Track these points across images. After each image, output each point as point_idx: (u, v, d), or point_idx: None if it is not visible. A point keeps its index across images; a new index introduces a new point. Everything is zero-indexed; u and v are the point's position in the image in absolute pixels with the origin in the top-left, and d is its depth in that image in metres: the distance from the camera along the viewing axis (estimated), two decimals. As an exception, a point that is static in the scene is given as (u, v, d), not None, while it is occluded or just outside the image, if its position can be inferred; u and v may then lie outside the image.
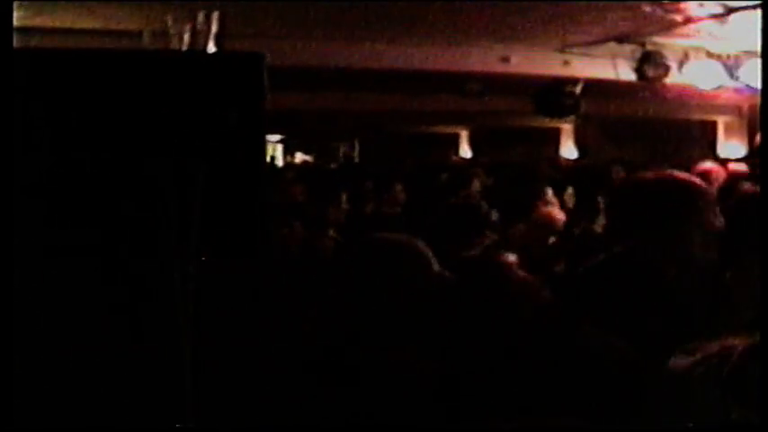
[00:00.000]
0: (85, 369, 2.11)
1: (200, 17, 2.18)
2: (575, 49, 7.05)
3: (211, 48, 2.18)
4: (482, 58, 7.32)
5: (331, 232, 4.68)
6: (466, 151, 15.80)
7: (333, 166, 14.20)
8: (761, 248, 2.11)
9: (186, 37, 2.17)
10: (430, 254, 2.27)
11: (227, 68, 2.16)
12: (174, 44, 2.16)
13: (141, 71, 2.09)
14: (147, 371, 2.11)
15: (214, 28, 2.21)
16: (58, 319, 2.06)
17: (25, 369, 1.90)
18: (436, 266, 2.25)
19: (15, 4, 2.01)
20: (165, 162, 2.04)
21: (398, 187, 6.33)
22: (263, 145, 2.28)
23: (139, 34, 2.22)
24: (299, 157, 17.93)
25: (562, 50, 7.11)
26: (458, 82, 8.51)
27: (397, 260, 2.25)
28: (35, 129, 1.98)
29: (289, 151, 18.01)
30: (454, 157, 13.95)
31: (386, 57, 7.00)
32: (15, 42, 1.95)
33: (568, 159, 12.03)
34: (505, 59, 7.26)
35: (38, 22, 4.87)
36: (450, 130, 16.02)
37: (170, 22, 2.19)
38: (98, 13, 5.25)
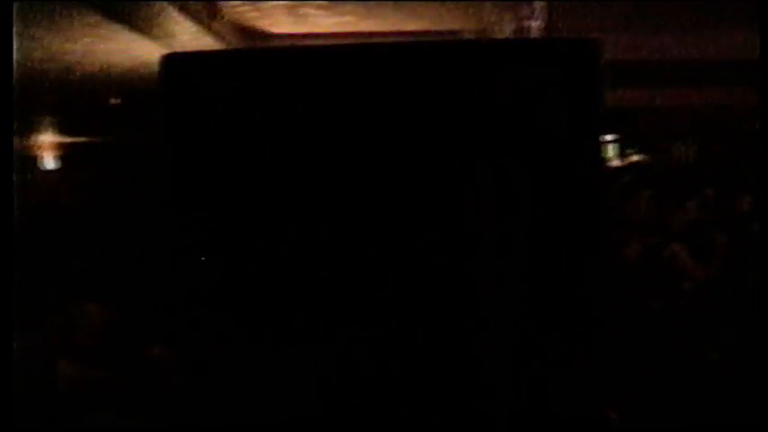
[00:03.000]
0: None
1: (525, 11, 1.94)
2: None
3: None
4: None
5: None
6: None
7: (672, 168, 13.42)
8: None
9: (509, 33, 1.95)
10: None
11: (555, 57, 1.87)
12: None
13: (455, 62, 1.86)
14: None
15: (539, 22, 1.96)
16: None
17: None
18: None
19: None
20: (481, 164, 1.83)
21: (746, 199, 5.55)
22: (598, 146, 1.97)
23: (459, 33, 2.02)
24: (634, 158, 17.28)
25: None
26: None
27: None
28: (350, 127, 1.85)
29: (622, 152, 17.42)
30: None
31: (731, 47, 6.40)
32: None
33: None
34: None
35: (362, 27, 4.89)
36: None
37: (491, 19, 1.98)
38: (422, 14, 5.24)
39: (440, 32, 4.76)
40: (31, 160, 9.43)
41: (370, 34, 5.24)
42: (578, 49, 1.89)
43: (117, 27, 4.57)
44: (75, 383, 4.55)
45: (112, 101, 6.68)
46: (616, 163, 16.84)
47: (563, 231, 1.89)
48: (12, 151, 1.87)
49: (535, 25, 1.89)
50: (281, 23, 4.99)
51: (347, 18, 4.78)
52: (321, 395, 1.92)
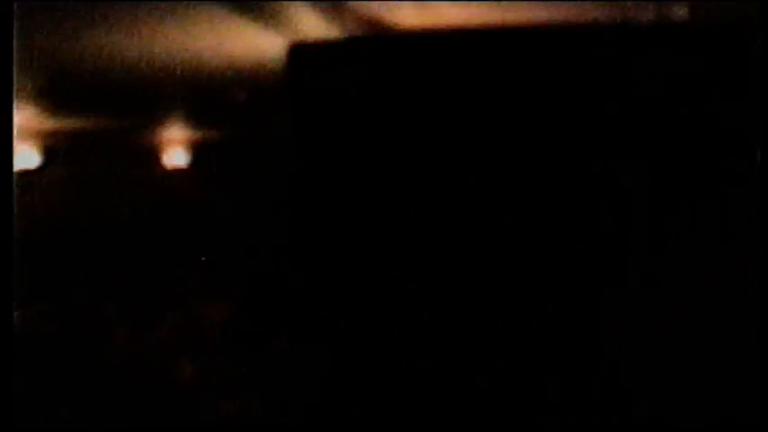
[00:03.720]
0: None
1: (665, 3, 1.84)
2: None
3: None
4: None
5: None
6: None
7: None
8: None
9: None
10: None
11: (703, 45, 1.75)
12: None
13: (596, 49, 1.76)
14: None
15: (682, 11, 1.86)
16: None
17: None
18: None
19: None
20: (622, 158, 1.75)
21: None
22: (752, 141, 1.83)
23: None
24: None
25: None
26: None
27: None
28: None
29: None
30: None
31: None
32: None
33: None
34: None
35: (491, 18, 4.78)
36: None
37: (627, 11, 1.90)
38: (556, 3, 5.09)
39: (575, 23, 4.59)
40: (157, 156, 9.64)
41: (500, 26, 5.10)
42: (729, 36, 1.77)
43: (243, 21, 4.59)
44: (196, 378, 4.62)
45: (238, 96, 6.74)
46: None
47: (712, 232, 1.78)
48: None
49: (680, 13, 1.77)
50: (407, 16, 4.91)
51: (475, 9, 4.67)
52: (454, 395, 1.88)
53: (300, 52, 1.79)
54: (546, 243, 1.80)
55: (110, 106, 7.15)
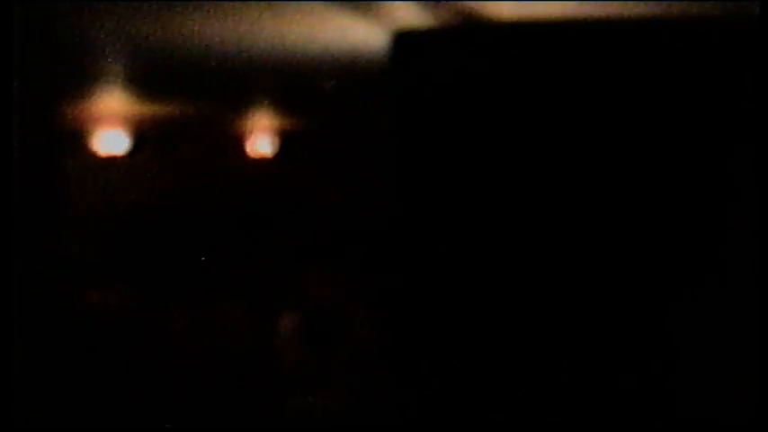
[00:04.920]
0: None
1: None
2: None
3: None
4: None
5: None
6: None
7: None
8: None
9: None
10: None
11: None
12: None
13: (683, 44, 1.70)
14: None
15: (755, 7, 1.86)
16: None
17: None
18: None
19: None
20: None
21: None
22: None
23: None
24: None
25: None
26: None
27: None
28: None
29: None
30: None
31: None
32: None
33: None
34: None
35: (586, 11, 4.71)
36: None
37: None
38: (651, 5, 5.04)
39: (670, 18, 4.50)
40: (247, 144, 9.70)
41: (595, 19, 5.04)
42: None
43: (335, 9, 4.63)
44: (299, 364, 4.71)
45: (330, 84, 6.75)
46: None
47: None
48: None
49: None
50: (503, 7, 4.85)
51: (572, 3, 4.59)
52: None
53: (404, 40, 1.75)
54: (634, 243, 1.80)
55: (200, 93, 7.23)
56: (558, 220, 1.80)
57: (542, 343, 1.86)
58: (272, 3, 4.69)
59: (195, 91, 7.01)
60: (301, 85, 7.00)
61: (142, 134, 7.85)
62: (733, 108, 1.73)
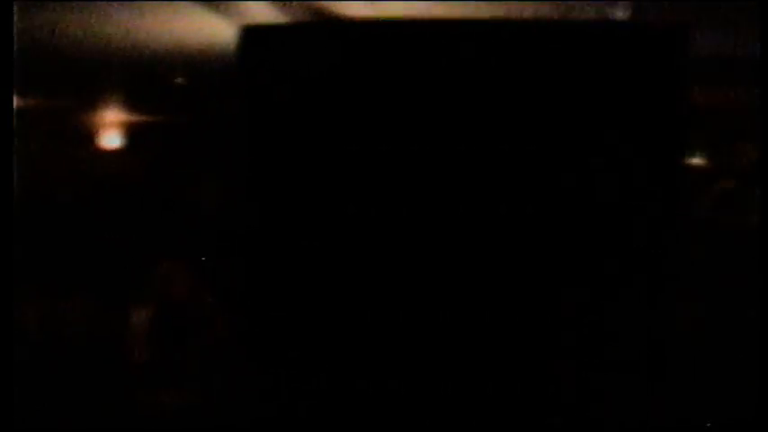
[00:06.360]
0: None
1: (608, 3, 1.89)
2: None
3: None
4: None
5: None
6: None
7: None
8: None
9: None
10: None
11: (642, 43, 1.79)
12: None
13: (536, 44, 1.79)
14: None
15: (625, 12, 1.91)
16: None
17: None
18: None
19: None
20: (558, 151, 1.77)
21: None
22: (678, 144, 1.88)
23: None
24: (697, 158, 16.86)
25: None
26: None
27: None
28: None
29: (688, 151, 17.07)
30: None
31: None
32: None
33: None
34: None
35: (434, 12, 4.82)
36: None
37: (569, 10, 1.93)
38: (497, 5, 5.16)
39: (516, 20, 4.69)
40: (97, 138, 9.52)
41: (442, 20, 5.16)
42: (667, 36, 1.82)
43: (187, 5, 4.57)
44: (152, 362, 4.57)
45: (181, 79, 6.70)
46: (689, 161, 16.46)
47: (641, 228, 1.83)
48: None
49: (620, 15, 1.82)
50: (353, 6, 4.95)
51: (420, 3, 4.72)
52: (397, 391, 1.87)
53: (252, 33, 1.80)
54: (508, 235, 1.83)
55: (52, 87, 7.06)
56: (409, 211, 1.81)
57: (399, 340, 1.86)
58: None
59: (46, 85, 6.85)
60: (153, 79, 6.94)
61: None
62: (590, 107, 1.78)
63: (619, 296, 1.83)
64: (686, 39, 1.78)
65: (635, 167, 1.79)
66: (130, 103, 8.57)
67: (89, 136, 9.18)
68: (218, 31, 4.90)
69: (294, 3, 4.92)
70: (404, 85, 1.81)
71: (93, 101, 8.17)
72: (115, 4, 4.41)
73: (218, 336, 4.52)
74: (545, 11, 4.45)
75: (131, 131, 9.53)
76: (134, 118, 9.29)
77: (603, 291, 1.82)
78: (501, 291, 1.80)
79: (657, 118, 1.79)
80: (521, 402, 1.82)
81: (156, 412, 4.33)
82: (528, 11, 4.35)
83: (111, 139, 9.63)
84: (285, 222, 1.83)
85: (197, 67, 6.14)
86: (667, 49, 1.78)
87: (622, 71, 1.78)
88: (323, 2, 5.04)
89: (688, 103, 1.79)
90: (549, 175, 1.77)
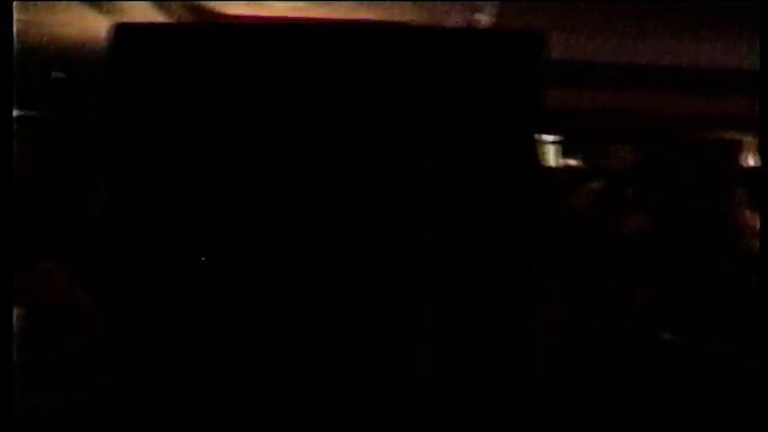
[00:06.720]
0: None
1: (476, 6, 1.97)
2: None
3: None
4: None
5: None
6: (748, 160, 14.73)
7: (611, 170, 13.57)
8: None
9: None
10: None
11: (499, 49, 1.90)
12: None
13: (401, 48, 1.87)
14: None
15: (489, 18, 1.99)
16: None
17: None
18: None
19: None
20: (424, 151, 1.84)
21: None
22: (533, 140, 1.99)
23: (410, 24, 2.02)
24: (573, 160, 17.36)
25: None
26: (749, 83, 7.83)
27: None
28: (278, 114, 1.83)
29: (564, 153, 17.53)
30: (736, 165, 12.98)
31: (669, 52, 6.51)
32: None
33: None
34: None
35: (314, 13, 4.89)
36: (733, 136, 15.02)
37: (438, 14, 2.01)
38: (375, 3, 5.27)
39: (391, 22, 4.81)
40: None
41: (322, 21, 5.26)
42: (522, 42, 1.91)
43: (63, 1, 4.53)
44: (29, 363, 4.49)
45: (56, 74, 6.59)
46: (560, 163, 16.93)
47: (496, 225, 1.89)
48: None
49: (485, 20, 1.90)
50: (234, 6, 4.98)
51: (300, 3, 4.80)
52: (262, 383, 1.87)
53: (124, 32, 1.80)
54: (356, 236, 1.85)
55: None
56: (279, 210, 1.81)
57: (273, 336, 1.84)
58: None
59: None
60: (28, 74, 6.78)
61: None
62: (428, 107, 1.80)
63: (475, 296, 1.90)
64: (542, 45, 1.88)
65: (495, 168, 1.87)
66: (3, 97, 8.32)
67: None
68: (96, 28, 4.86)
69: (174, 3, 4.92)
70: (272, 86, 1.84)
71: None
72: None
73: (96, 336, 4.45)
74: (419, 13, 4.60)
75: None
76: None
77: (462, 289, 1.89)
78: (340, 284, 1.85)
79: (516, 120, 1.88)
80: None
81: (32, 414, 4.23)
82: (405, 14, 4.47)
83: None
84: (160, 221, 1.82)
85: (74, 63, 6.05)
86: (524, 54, 1.88)
87: (481, 76, 1.87)
88: (204, 2, 5.05)
89: (543, 106, 1.88)
90: (406, 175, 1.83)
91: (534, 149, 1.91)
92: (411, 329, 1.86)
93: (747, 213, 4.22)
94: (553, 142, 17.06)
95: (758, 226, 4.15)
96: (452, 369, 1.89)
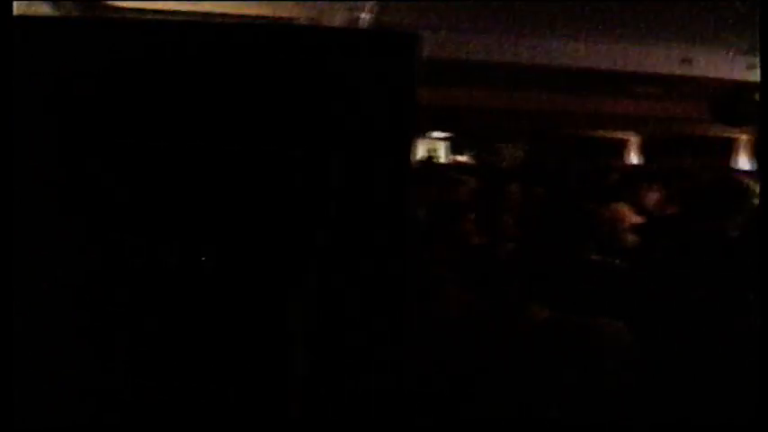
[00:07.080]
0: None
1: (357, 4, 1.99)
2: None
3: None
4: (662, 59, 6.88)
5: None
6: (632, 158, 15.25)
7: (498, 166, 13.85)
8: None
9: (340, 24, 1.98)
10: None
11: (374, 48, 1.92)
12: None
13: (271, 45, 1.89)
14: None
15: (369, 16, 2.01)
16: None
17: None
18: None
19: None
20: (294, 150, 1.86)
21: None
22: (410, 138, 2.01)
23: (293, 20, 2.05)
24: (461, 156, 17.66)
25: (747, 53, 6.64)
26: (633, 83, 8.12)
27: None
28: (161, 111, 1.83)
29: (453, 150, 17.80)
30: (621, 163, 13.41)
31: (557, 53, 6.71)
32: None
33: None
34: (686, 61, 6.83)
35: (198, 7, 4.89)
36: (618, 135, 15.50)
37: (323, 11, 2.01)
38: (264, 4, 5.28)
39: (274, 18, 4.84)
40: None
41: (206, 15, 5.28)
42: (395, 41, 1.92)
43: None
44: None
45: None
46: (449, 160, 17.15)
47: (370, 225, 1.90)
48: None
49: (365, 18, 1.95)
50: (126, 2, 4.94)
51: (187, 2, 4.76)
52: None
53: (23, 27, 1.77)
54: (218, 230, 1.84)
55: None
56: (171, 206, 1.79)
57: (153, 338, 1.83)
58: None
59: None
60: None
61: None
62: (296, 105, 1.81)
63: (346, 294, 1.91)
64: (416, 44, 1.90)
65: (369, 166, 1.89)
66: None
67: None
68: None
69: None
70: (154, 82, 1.83)
71: None
72: None
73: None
74: (307, 11, 4.64)
75: None
76: None
77: (334, 287, 1.90)
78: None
79: (391, 118, 1.91)
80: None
81: None
82: (291, 11, 4.52)
83: None
84: (47, 217, 1.80)
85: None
86: (398, 53, 1.90)
87: (356, 75, 1.88)
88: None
89: (416, 104, 1.91)
90: (280, 172, 1.84)
91: (410, 147, 1.92)
92: (282, 328, 1.86)
93: (624, 208, 4.43)
94: (443, 139, 17.30)
95: (634, 220, 4.38)
96: (325, 368, 1.89)
